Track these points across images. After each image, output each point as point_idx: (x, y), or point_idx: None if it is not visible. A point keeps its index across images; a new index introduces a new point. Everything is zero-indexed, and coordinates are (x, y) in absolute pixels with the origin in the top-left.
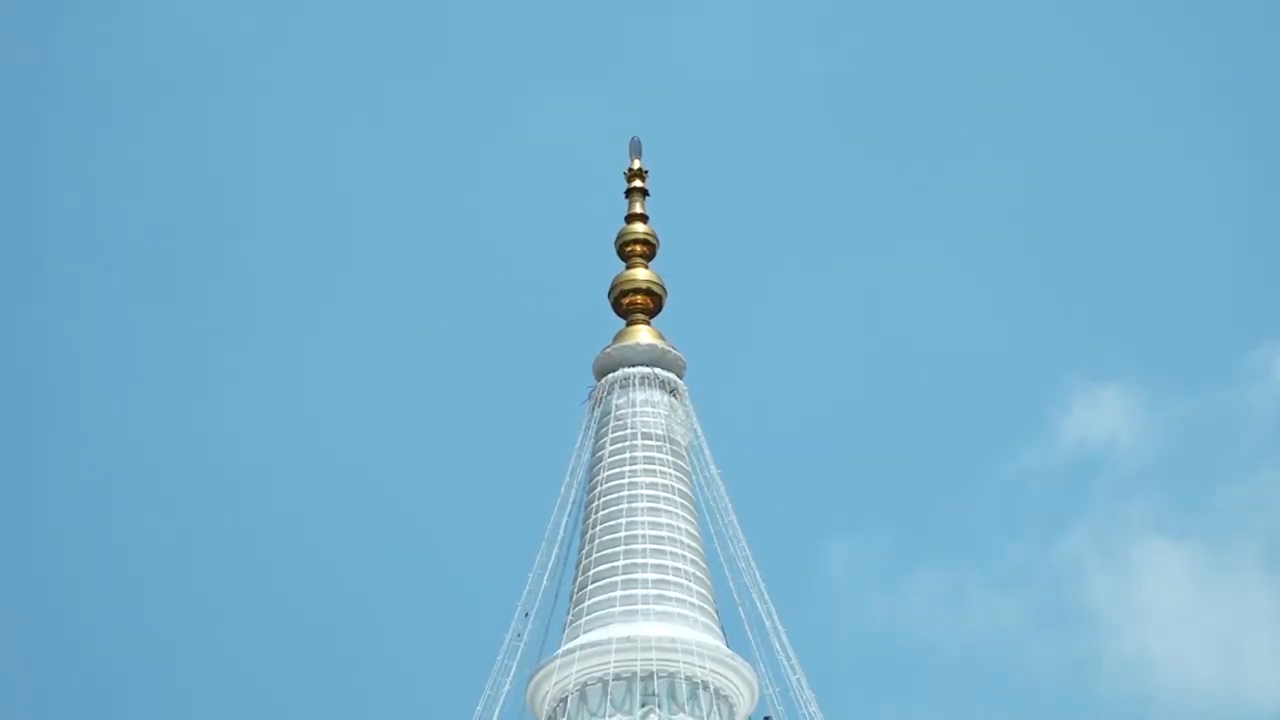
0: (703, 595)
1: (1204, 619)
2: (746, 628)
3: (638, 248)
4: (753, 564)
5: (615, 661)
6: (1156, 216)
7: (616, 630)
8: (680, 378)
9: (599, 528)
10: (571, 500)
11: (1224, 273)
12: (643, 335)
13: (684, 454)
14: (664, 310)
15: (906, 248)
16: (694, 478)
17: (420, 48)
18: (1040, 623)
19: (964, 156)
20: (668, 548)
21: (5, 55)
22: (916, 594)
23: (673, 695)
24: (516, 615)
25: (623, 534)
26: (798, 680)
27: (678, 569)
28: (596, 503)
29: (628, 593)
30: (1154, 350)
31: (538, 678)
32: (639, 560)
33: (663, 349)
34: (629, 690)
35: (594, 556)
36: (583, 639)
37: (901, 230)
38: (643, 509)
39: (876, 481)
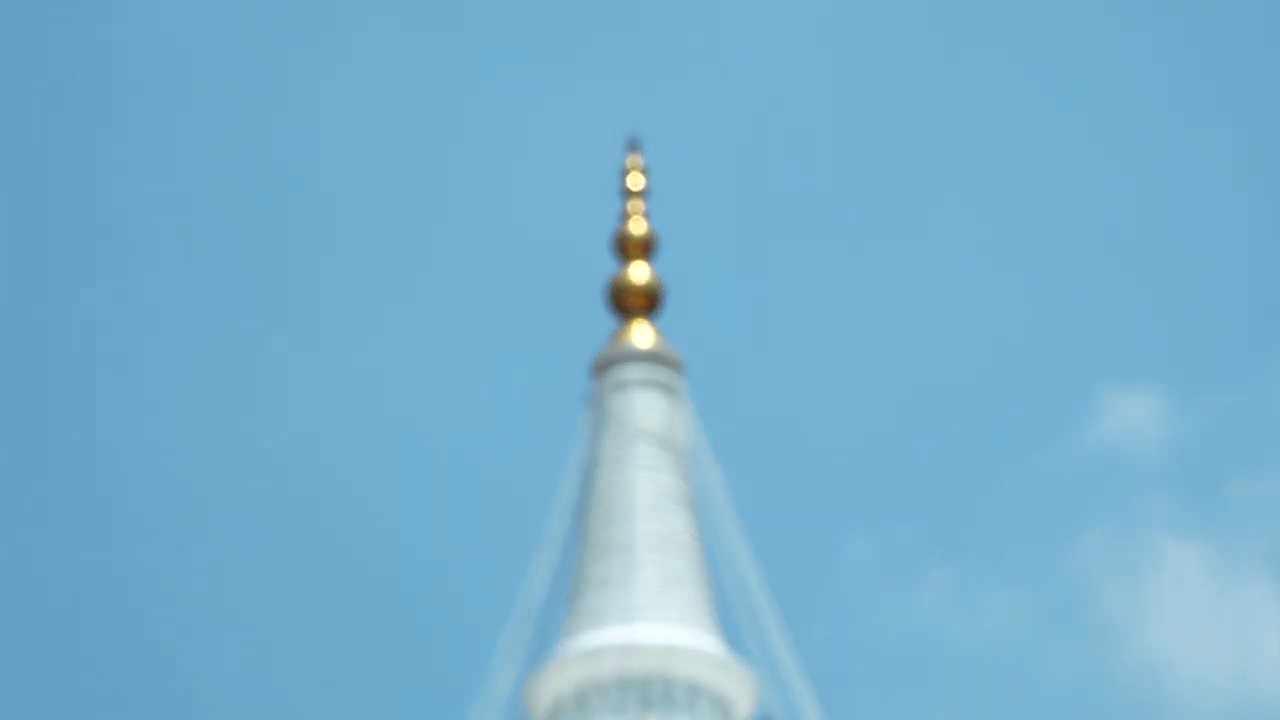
0: (702, 597)
1: (1218, 618)
2: (744, 631)
3: (636, 246)
4: (754, 566)
5: (613, 665)
6: (1178, 214)
7: (614, 633)
8: (680, 377)
9: (597, 529)
10: (569, 502)
11: (1252, 272)
12: (641, 335)
13: (683, 455)
14: (664, 309)
15: (924, 243)
16: (694, 479)
17: (421, 46)
18: (1054, 622)
19: (983, 153)
20: (667, 549)
21: (47, 54)
22: (931, 593)
23: (671, 699)
24: (513, 618)
25: (621, 536)
26: (799, 683)
27: (677, 570)
28: (595, 504)
29: (626, 595)
30: (1178, 350)
31: (534, 681)
32: (637, 562)
33: (662, 349)
34: (626, 694)
35: (592, 559)
36: (580, 642)
37: (920, 225)
38: (641, 510)
39: (891, 482)
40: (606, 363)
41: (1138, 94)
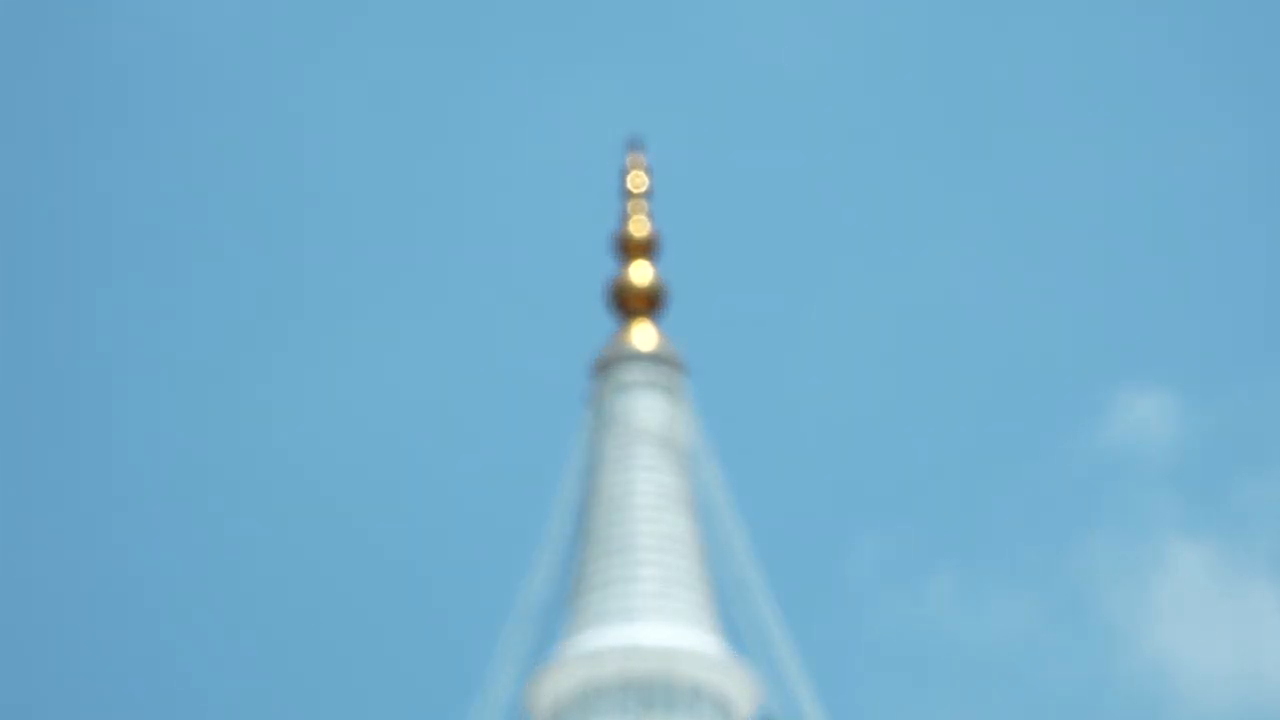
0: (704, 598)
1: (1224, 619)
2: (746, 632)
3: (638, 247)
4: (755, 566)
5: (615, 666)
6: (1187, 215)
7: (615, 634)
8: (681, 378)
9: (598, 530)
10: (570, 502)
11: (1261, 273)
12: (643, 336)
13: (684, 455)
14: (666, 310)
15: (929, 243)
16: (695, 479)
17: (421, 47)
18: (1060, 623)
19: (988, 153)
20: (668, 550)
21: (58, 57)
22: (936, 594)
23: (673, 700)
24: (513, 618)
25: (623, 536)
26: (801, 684)
27: (678, 571)
28: (596, 505)
29: (627, 596)
30: (1186, 352)
31: (535, 682)
32: (639, 563)
33: (663, 349)
34: (628, 695)
35: (593, 559)
36: (582, 643)
37: (924, 225)
38: (642, 511)
39: (896, 482)
40: (608, 363)
41: (1147, 95)
